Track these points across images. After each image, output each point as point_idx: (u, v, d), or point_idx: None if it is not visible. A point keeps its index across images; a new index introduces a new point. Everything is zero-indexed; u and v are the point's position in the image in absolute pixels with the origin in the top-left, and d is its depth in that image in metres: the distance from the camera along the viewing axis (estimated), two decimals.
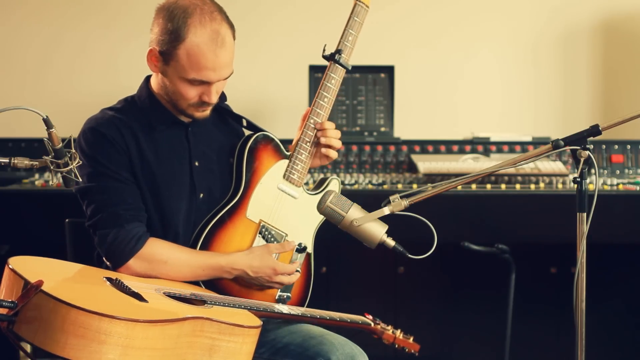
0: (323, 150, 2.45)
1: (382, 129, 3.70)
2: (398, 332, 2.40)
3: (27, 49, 3.94)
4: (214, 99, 2.30)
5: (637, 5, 3.89)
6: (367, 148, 3.53)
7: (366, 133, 3.67)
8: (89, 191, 2.26)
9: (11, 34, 3.93)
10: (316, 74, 3.69)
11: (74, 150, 1.92)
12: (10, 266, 1.91)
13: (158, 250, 2.25)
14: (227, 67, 2.27)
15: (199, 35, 2.21)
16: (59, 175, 1.91)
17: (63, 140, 1.90)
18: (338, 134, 2.46)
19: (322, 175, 3.26)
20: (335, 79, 2.45)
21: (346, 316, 2.32)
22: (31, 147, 3.57)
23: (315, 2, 3.94)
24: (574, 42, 3.94)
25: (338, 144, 2.47)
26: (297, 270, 2.39)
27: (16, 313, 1.79)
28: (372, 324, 2.37)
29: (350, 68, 2.47)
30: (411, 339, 2.41)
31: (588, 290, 2.07)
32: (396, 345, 2.40)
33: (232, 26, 2.28)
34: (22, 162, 1.87)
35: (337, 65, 2.45)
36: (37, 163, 1.89)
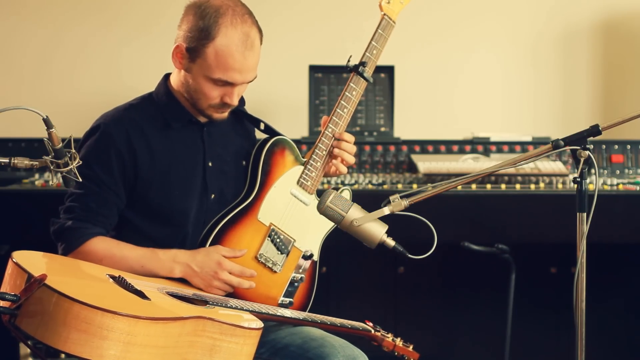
0: (334, 161, 2.45)
1: (382, 129, 3.70)
2: (398, 340, 2.40)
3: (28, 48, 3.94)
4: (236, 101, 2.29)
5: (637, 5, 3.90)
6: (367, 148, 3.54)
7: (366, 133, 3.67)
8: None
9: (11, 33, 3.93)
10: (316, 74, 3.69)
11: (73, 150, 1.92)
12: (14, 260, 1.91)
13: (95, 248, 2.24)
14: (253, 70, 2.28)
15: (230, 35, 2.21)
16: (59, 175, 1.91)
17: (63, 140, 1.90)
18: (353, 149, 2.45)
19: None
20: (356, 90, 2.45)
21: (347, 322, 2.33)
22: (31, 147, 3.57)
23: (315, 3, 3.95)
24: (573, 42, 3.94)
25: (350, 159, 2.45)
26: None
27: (19, 307, 1.79)
28: (372, 331, 2.36)
29: (372, 81, 2.47)
30: (411, 347, 2.41)
31: (588, 290, 2.07)
32: (396, 353, 2.40)
33: (260, 31, 2.28)
34: (22, 162, 1.88)
35: (359, 77, 2.45)
36: (37, 163, 1.89)
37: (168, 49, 2.31)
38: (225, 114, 2.35)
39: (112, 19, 3.93)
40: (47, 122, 1.86)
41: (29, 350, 3.23)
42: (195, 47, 2.23)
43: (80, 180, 1.94)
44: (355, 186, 3.22)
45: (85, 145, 2.30)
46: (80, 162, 1.92)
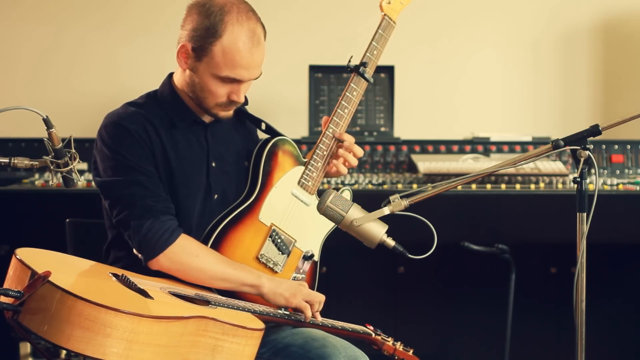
0: (335, 161, 2.44)
1: (382, 129, 3.70)
2: (398, 344, 2.40)
3: (27, 48, 3.94)
4: (242, 98, 2.30)
5: (637, 6, 3.90)
6: (367, 148, 3.54)
7: (366, 133, 3.67)
8: (115, 185, 2.24)
9: (10, 33, 3.93)
10: (316, 74, 3.69)
11: (73, 150, 1.92)
12: (17, 257, 1.91)
13: (190, 244, 2.24)
14: (259, 67, 2.29)
15: (236, 33, 2.22)
16: (59, 175, 1.92)
17: (63, 140, 1.90)
18: (360, 152, 2.45)
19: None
20: (357, 90, 2.46)
21: (348, 325, 2.33)
22: (31, 147, 3.57)
23: (315, 3, 3.95)
24: (574, 43, 3.94)
25: (354, 161, 2.45)
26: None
27: (22, 303, 1.79)
28: (373, 335, 2.37)
29: (372, 81, 2.48)
30: (411, 351, 2.41)
31: (588, 290, 2.07)
32: (396, 357, 2.40)
33: (264, 27, 2.29)
34: (22, 162, 1.88)
35: (360, 77, 2.45)
36: (37, 163, 1.89)
37: (166, 49, 2.31)
38: (231, 112, 2.36)
39: (111, 18, 3.93)
40: (47, 122, 1.86)
41: (29, 350, 3.23)
42: (202, 45, 2.23)
43: (80, 180, 1.94)
44: (355, 186, 3.22)
45: (106, 141, 2.26)
46: (77, 161, 1.92)
